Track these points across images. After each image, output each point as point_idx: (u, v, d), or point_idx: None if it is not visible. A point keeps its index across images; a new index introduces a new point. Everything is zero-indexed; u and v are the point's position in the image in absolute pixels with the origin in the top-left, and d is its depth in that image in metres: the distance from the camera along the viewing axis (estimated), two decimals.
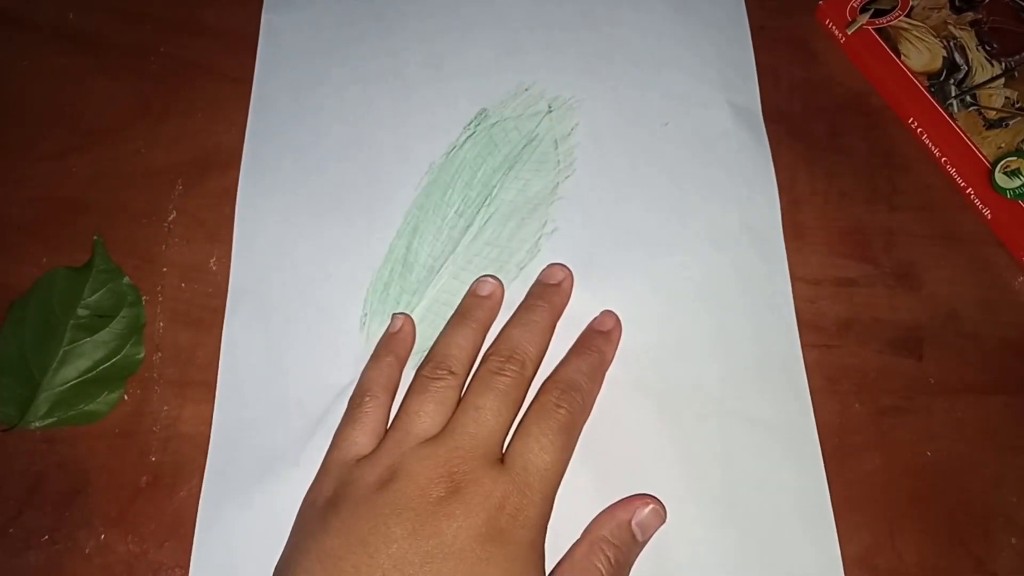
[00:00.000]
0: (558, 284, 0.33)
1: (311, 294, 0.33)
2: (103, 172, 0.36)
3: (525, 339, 0.30)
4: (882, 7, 0.39)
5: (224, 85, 0.38)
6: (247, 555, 0.29)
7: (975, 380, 0.33)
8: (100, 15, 0.40)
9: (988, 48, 0.37)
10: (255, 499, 0.30)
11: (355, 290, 0.34)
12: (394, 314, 0.33)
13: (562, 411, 0.28)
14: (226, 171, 0.36)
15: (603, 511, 0.29)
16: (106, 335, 0.32)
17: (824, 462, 0.31)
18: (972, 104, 0.36)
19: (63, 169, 0.36)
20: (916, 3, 0.39)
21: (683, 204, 0.35)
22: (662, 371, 0.32)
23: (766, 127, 0.38)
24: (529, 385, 0.30)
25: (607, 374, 0.31)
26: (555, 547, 0.27)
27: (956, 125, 0.36)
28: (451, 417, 0.28)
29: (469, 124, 0.37)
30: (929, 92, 0.37)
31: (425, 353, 0.31)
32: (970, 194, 0.36)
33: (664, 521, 0.29)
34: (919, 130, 0.37)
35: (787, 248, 0.35)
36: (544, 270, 0.33)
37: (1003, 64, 0.37)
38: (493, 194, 0.36)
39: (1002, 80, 0.37)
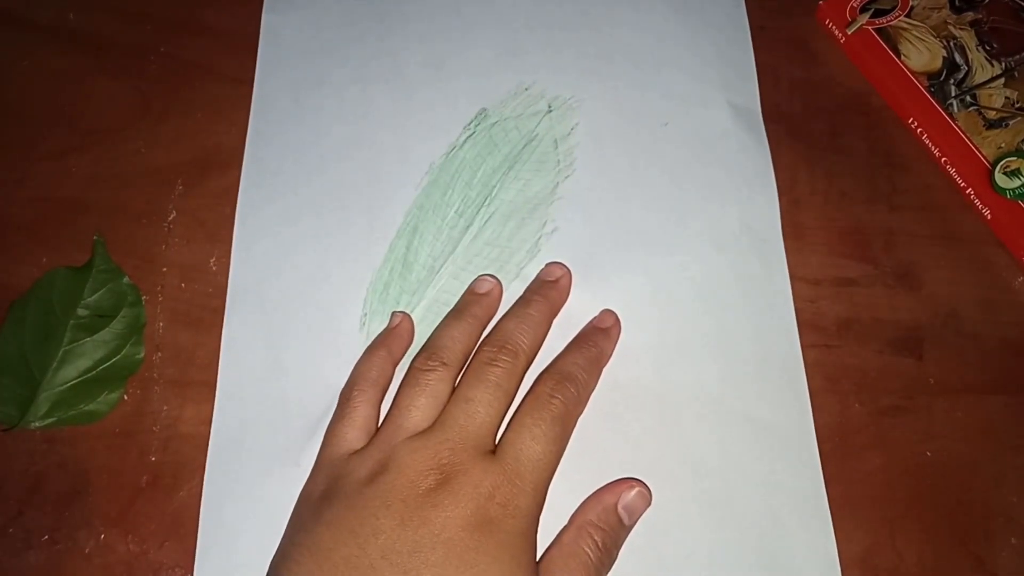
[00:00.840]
0: (556, 281, 0.33)
1: (311, 294, 0.33)
2: (103, 172, 0.36)
3: (519, 330, 0.30)
4: (882, 7, 0.39)
5: (224, 85, 0.38)
6: (249, 555, 0.29)
7: (975, 380, 0.33)
8: (100, 15, 0.40)
9: (988, 48, 0.37)
10: (255, 499, 0.30)
11: (355, 290, 0.34)
12: (393, 312, 0.33)
13: (556, 401, 0.28)
14: (226, 171, 0.36)
15: (589, 496, 0.29)
16: (106, 335, 0.32)
17: (824, 462, 0.31)
18: (972, 104, 0.36)
19: (63, 169, 0.36)
20: (916, 3, 0.39)
21: (683, 204, 0.35)
22: (662, 371, 0.32)
23: (766, 127, 0.38)
24: (522, 377, 0.30)
25: (606, 373, 0.31)
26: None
27: (956, 125, 0.36)
28: (443, 410, 0.28)
29: (469, 124, 0.37)
30: (929, 92, 0.37)
31: None
32: (970, 194, 0.36)
33: (650, 504, 0.29)
34: (919, 130, 0.37)
35: (787, 248, 0.35)
36: (543, 268, 0.33)
37: (1003, 64, 0.37)
38: (493, 194, 0.36)
39: (1002, 80, 0.37)
